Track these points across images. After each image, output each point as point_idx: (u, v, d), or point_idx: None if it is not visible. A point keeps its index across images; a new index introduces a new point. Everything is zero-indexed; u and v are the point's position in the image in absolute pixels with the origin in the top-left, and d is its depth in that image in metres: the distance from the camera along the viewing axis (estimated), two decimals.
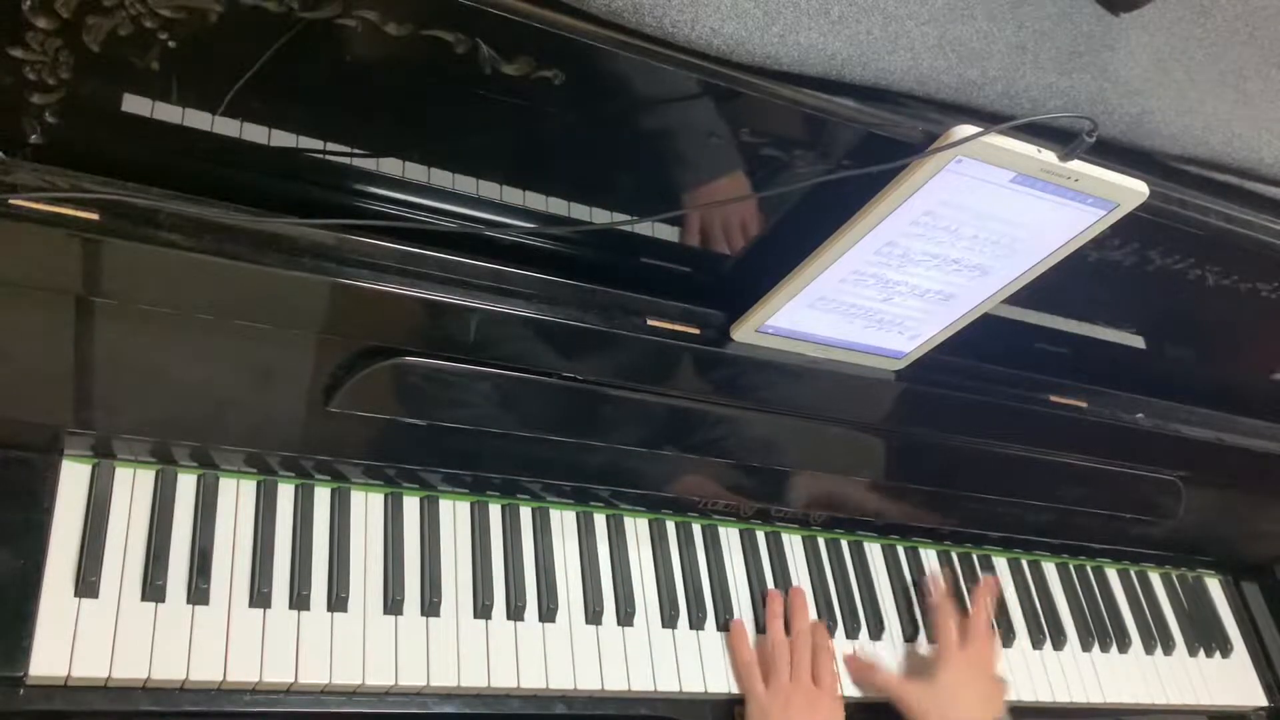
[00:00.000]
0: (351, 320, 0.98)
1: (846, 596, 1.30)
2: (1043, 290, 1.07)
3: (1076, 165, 0.90)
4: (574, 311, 1.03)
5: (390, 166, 0.93)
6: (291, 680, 0.99)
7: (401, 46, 0.80)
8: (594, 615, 1.14)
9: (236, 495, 1.05)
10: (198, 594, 0.98)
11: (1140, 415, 1.35)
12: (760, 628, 1.22)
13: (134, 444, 1.00)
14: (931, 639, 1.31)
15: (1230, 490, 1.51)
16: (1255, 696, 1.54)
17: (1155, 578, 1.57)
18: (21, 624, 0.90)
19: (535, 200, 0.98)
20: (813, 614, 1.26)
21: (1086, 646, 1.43)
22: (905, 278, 1.03)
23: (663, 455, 1.18)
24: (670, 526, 1.24)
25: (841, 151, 0.94)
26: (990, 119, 0.88)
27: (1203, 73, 1.05)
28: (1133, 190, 0.94)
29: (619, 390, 1.10)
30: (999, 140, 0.87)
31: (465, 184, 0.95)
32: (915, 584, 1.35)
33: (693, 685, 1.15)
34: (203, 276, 0.90)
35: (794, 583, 1.27)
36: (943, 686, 1.21)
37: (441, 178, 0.94)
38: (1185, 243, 1.10)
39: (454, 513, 1.14)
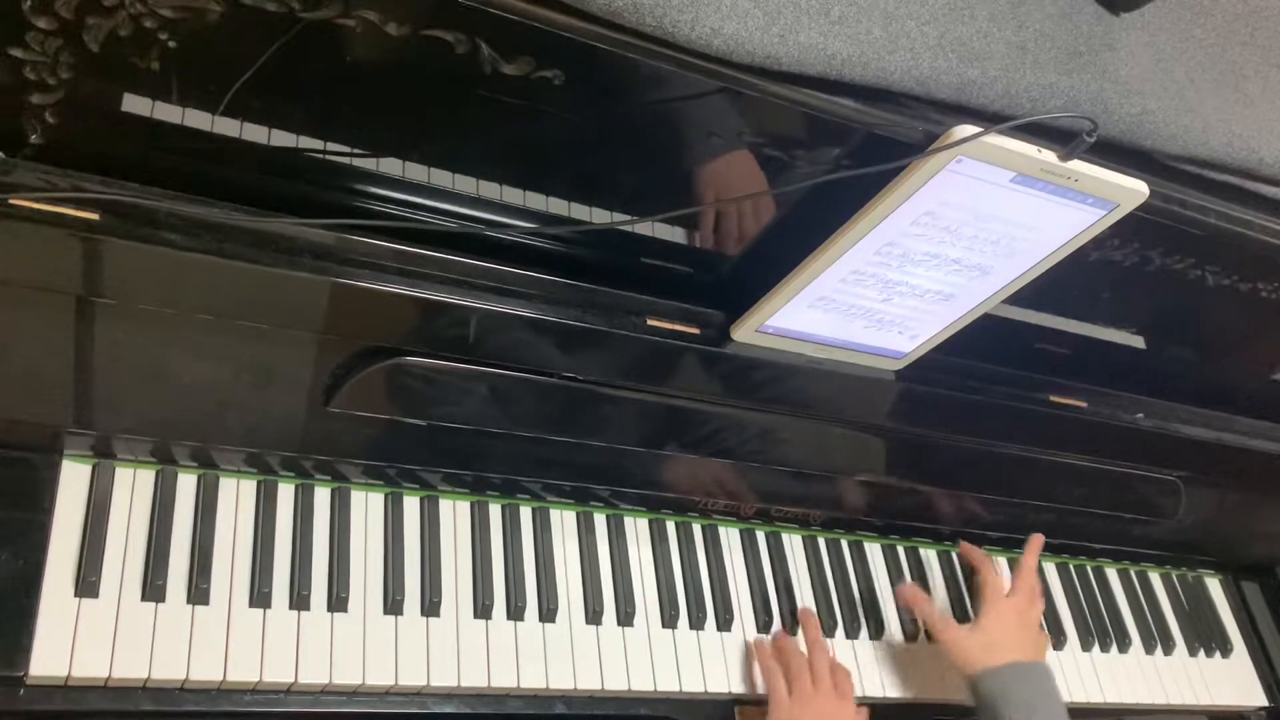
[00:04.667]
0: (351, 320, 0.98)
1: (846, 596, 1.30)
2: (1043, 290, 1.07)
3: (1076, 165, 0.90)
4: (574, 311, 1.03)
5: (390, 166, 0.93)
6: (291, 680, 0.99)
7: (401, 46, 0.80)
8: (594, 615, 1.14)
9: (236, 495, 1.05)
10: (198, 594, 0.98)
11: (1140, 415, 1.35)
12: (760, 628, 1.22)
13: (134, 444, 1.00)
14: (933, 639, 1.31)
15: (1230, 490, 1.51)
16: (1255, 696, 1.54)
17: (1155, 578, 1.57)
18: (21, 624, 0.90)
19: (535, 200, 0.98)
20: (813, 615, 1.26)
21: (1086, 646, 1.43)
22: (905, 278, 1.03)
23: (663, 455, 1.18)
24: (670, 526, 1.24)
25: (841, 151, 0.94)
26: (990, 119, 0.88)
27: (1203, 73, 1.05)
28: (1133, 190, 0.94)
29: (619, 390, 1.10)
30: (999, 140, 0.87)
31: (465, 184, 0.95)
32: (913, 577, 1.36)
33: (693, 685, 1.15)
34: (203, 276, 0.90)
35: (794, 582, 1.27)
36: (984, 631, 1.22)
37: (441, 178, 0.94)
38: (1185, 243, 1.10)
39: (454, 513, 1.14)
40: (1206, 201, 1.05)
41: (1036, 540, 1.34)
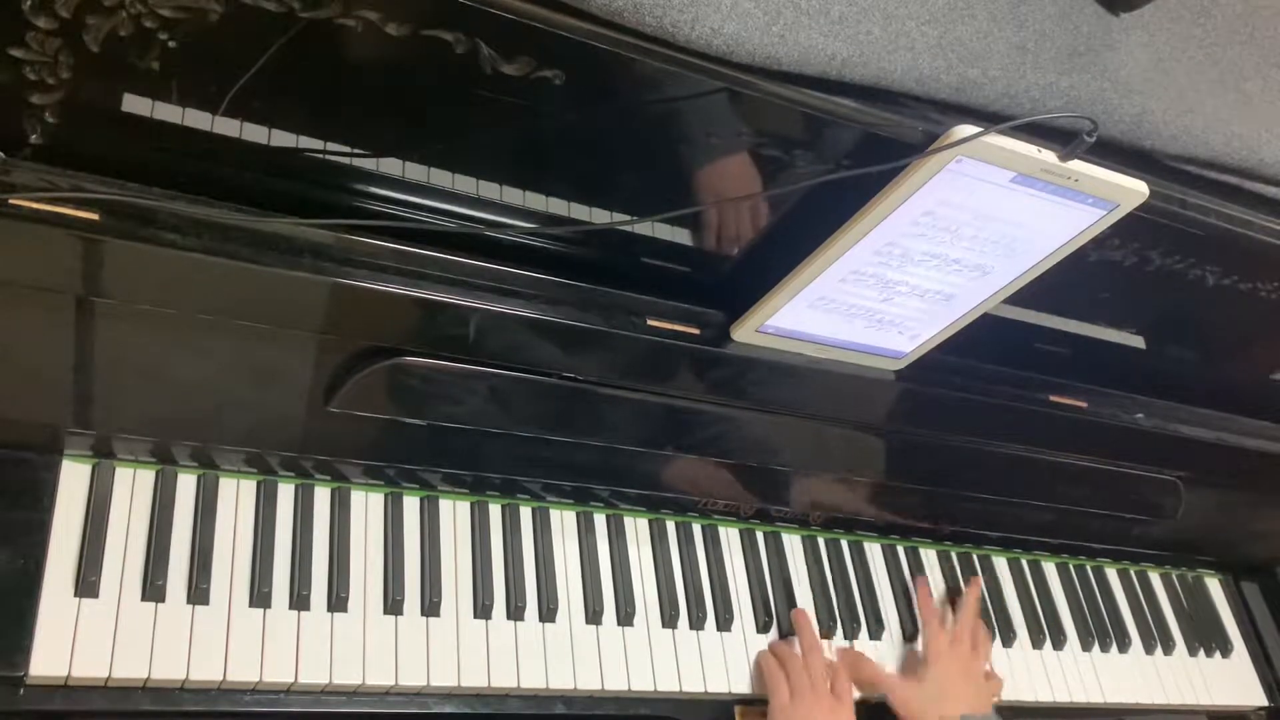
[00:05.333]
0: (351, 320, 0.98)
1: (846, 596, 1.30)
2: (1043, 290, 1.07)
3: (1076, 165, 0.90)
4: (574, 311, 1.03)
5: (390, 166, 0.93)
6: (291, 680, 0.99)
7: (401, 46, 0.80)
8: (594, 615, 1.14)
9: (236, 495, 1.05)
10: (198, 594, 0.98)
11: (1140, 415, 1.35)
12: (760, 628, 1.22)
13: (134, 444, 1.00)
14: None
15: (1230, 490, 1.51)
16: (1255, 696, 1.55)
17: (1155, 578, 1.57)
18: (21, 624, 0.90)
19: (535, 200, 0.98)
20: (811, 615, 1.26)
21: (1086, 646, 1.43)
22: (905, 278, 1.03)
23: (663, 455, 1.18)
24: (670, 526, 1.24)
25: (841, 151, 0.94)
26: (990, 119, 0.88)
27: (1203, 73, 1.05)
28: (1133, 190, 0.94)
29: (619, 390, 1.10)
30: (999, 140, 0.87)
31: (465, 184, 0.95)
32: (912, 579, 1.35)
33: (693, 685, 1.15)
34: (203, 276, 0.90)
35: (793, 582, 1.28)
36: (932, 684, 1.24)
37: (441, 178, 0.94)
38: (1185, 243, 1.10)
39: (454, 513, 1.14)
40: (1206, 201, 1.05)
41: (975, 583, 1.36)
